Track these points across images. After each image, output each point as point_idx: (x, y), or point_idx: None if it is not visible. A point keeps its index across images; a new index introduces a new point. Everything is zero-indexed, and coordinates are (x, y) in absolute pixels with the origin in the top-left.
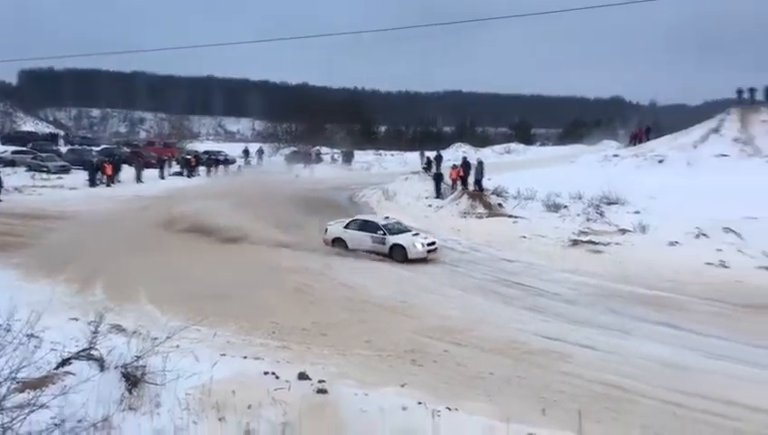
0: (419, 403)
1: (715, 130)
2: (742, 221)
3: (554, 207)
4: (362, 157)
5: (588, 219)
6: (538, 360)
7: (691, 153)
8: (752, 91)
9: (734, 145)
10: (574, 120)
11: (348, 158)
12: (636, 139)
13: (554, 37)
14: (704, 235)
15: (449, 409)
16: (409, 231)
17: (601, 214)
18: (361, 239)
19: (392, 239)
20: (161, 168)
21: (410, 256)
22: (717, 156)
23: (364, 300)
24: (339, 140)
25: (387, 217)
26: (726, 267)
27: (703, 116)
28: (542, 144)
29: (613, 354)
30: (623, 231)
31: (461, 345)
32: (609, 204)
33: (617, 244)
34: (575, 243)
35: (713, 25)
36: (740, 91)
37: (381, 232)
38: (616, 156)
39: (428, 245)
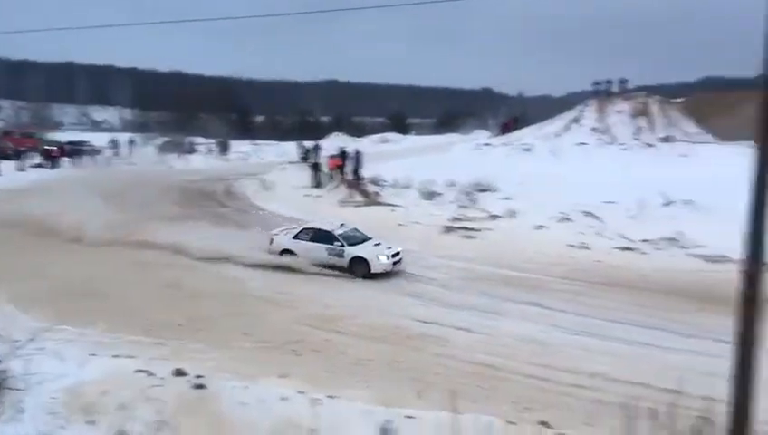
0: (299, 393)
1: (576, 121)
2: (601, 205)
3: (429, 195)
4: (239, 147)
5: (461, 206)
6: (416, 344)
7: (554, 142)
8: (607, 82)
9: (593, 134)
10: (448, 111)
11: (224, 148)
12: (505, 128)
13: (428, 28)
14: (567, 219)
15: (330, 397)
16: (369, 239)
17: (474, 201)
18: (315, 251)
19: (352, 251)
20: (20, 159)
21: (374, 269)
22: (578, 144)
23: (242, 292)
24: (214, 130)
25: (342, 225)
26: (587, 249)
27: (565, 107)
28: (420, 134)
29: (486, 335)
30: (494, 217)
31: (342, 333)
32: (481, 191)
33: (488, 229)
34: (449, 229)
35: (574, 20)
36: (597, 83)
37: (338, 243)
38: (487, 145)
39: (393, 256)
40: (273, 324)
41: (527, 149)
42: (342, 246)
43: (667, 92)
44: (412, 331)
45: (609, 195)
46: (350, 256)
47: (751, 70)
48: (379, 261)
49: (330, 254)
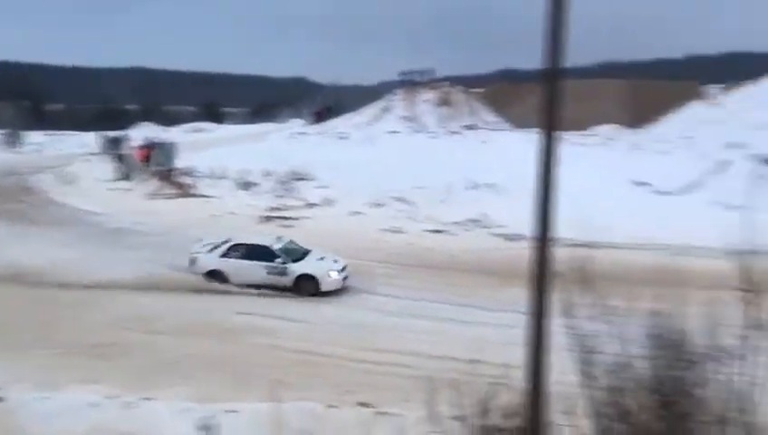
0: (110, 398)
1: (387, 109)
2: (412, 191)
3: (246, 185)
4: (33, 138)
5: (278, 195)
6: (240, 337)
7: (367, 130)
8: (414, 73)
9: (403, 122)
10: (263, 99)
11: (14, 139)
12: (318, 117)
13: (242, 15)
14: (381, 204)
15: (145, 398)
16: (309, 252)
17: (291, 190)
18: (251, 271)
19: (297, 268)
20: None
21: (324, 287)
22: (390, 132)
23: (41, 297)
24: (2, 120)
25: (279, 238)
26: (401, 233)
27: (376, 96)
28: (234, 123)
29: (309, 323)
30: (311, 205)
31: (158, 333)
32: (298, 180)
33: (306, 217)
34: (267, 219)
35: (383, 11)
36: (404, 73)
37: (280, 259)
38: (302, 134)
39: (341, 270)
40: (80, 328)
41: (342, 138)
42: (285, 262)
43: (468, 83)
44: (235, 324)
45: (420, 180)
46: (296, 274)
47: (538, 63)
48: (330, 278)
49: (270, 273)
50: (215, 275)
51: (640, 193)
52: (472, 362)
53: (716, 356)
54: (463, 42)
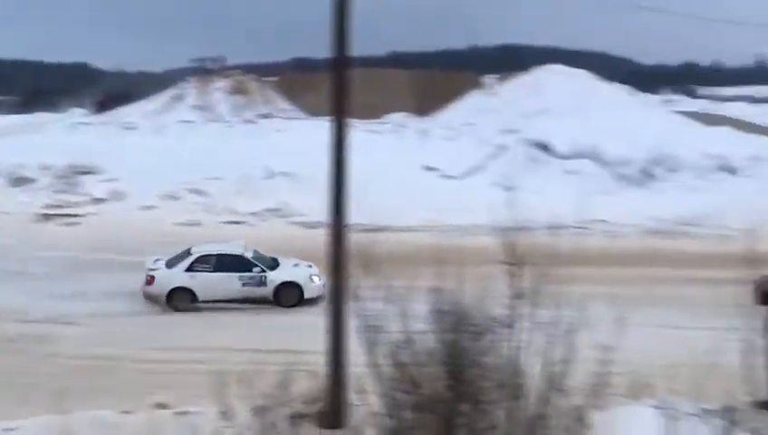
0: None
1: (178, 98)
2: (207, 182)
3: (18, 181)
4: None
5: (59, 191)
6: (17, 347)
7: (158, 120)
8: (205, 60)
9: (196, 111)
10: (37, 86)
11: None
12: (103, 106)
13: None
14: (175, 197)
15: None
16: (278, 259)
17: (74, 184)
18: (224, 284)
19: (277, 277)
20: None
21: (308, 295)
22: (182, 122)
23: None
24: None
25: (244, 245)
26: (197, 225)
27: (166, 83)
28: (2, 113)
29: (96, 326)
30: (98, 200)
31: None
32: (82, 174)
33: (93, 214)
34: (47, 217)
35: None
36: (195, 60)
37: (258, 269)
38: (85, 124)
39: (318, 276)
40: None
41: (129, 128)
42: (263, 271)
43: (261, 71)
44: (8, 332)
45: (215, 171)
46: (277, 283)
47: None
48: (314, 283)
49: (246, 284)
50: (180, 293)
51: (430, 177)
52: (274, 351)
53: (491, 325)
54: (254, 30)
